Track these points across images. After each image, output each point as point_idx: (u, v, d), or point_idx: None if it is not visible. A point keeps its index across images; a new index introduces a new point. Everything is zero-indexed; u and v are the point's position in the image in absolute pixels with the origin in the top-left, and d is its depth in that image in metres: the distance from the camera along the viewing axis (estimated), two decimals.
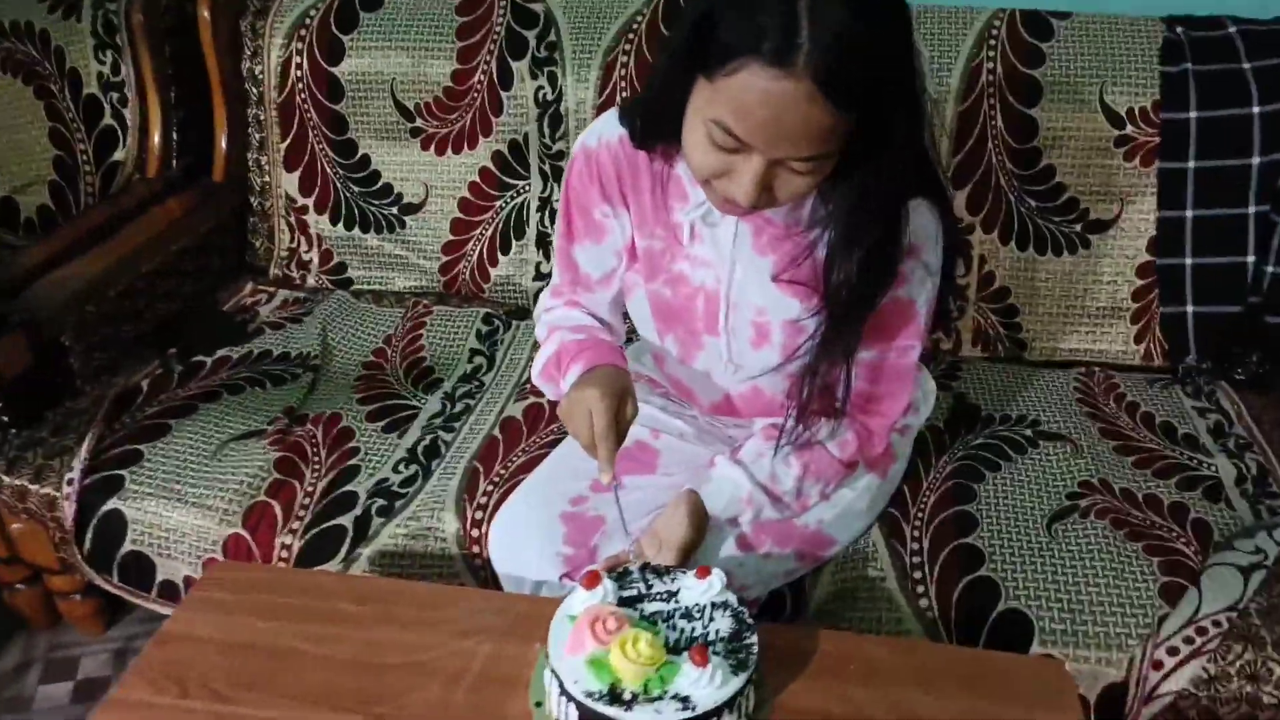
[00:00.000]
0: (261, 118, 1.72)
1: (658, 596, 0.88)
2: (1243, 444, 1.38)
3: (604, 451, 0.96)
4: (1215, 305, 1.50)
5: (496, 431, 1.37)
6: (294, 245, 1.76)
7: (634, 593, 0.88)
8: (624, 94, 1.58)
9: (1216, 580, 1.12)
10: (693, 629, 0.85)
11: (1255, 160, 1.44)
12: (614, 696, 0.78)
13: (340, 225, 1.73)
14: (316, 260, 1.76)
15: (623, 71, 1.58)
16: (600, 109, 1.59)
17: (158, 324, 1.59)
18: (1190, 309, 1.52)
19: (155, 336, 1.57)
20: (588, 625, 0.81)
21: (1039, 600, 1.12)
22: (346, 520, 1.24)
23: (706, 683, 0.78)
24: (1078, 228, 1.54)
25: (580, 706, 0.78)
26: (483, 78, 1.62)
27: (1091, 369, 1.55)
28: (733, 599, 0.87)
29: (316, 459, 1.32)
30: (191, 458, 1.32)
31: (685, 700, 0.78)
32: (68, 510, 1.28)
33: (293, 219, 1.75)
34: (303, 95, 1.68)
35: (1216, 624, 1.08)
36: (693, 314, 1.11)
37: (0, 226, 1.81)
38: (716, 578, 0.88)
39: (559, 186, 1.62)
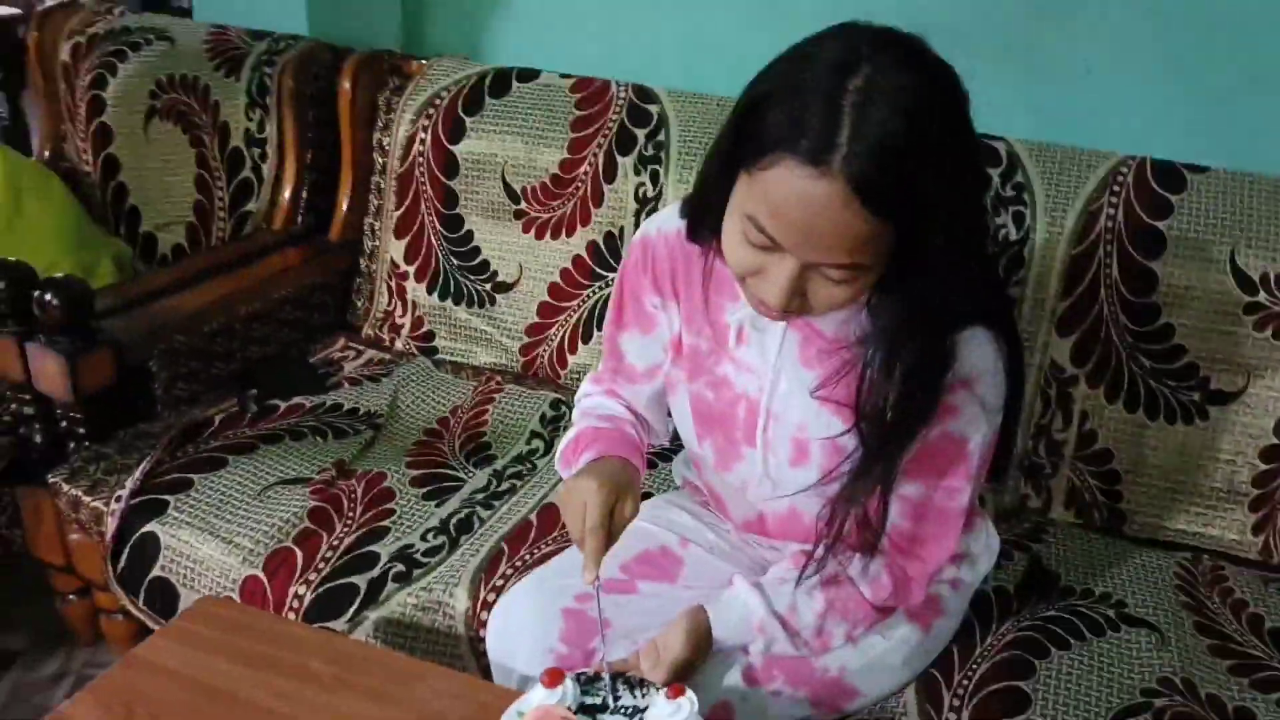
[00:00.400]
0: (382, 186, 1.80)
1: (621, 710, 0.81)
2: None
3: (590, 546, 0.91)
4: None
5: (533, 516, 1.33)
6: (390, 308, 1.81)
7: (598, 701, 0.82)
8: None
9: None
10: None
11: None
12: None
13: (435, 295, 1.77)
14: (409, 325, 1.80)
15: None
16: None
17: (247, 366, 1.65)
18: None
19: (241, 377, 1.62)
20: None
21: None
22: (361, 580, 1.22)
23: None
24: (1196, 396, 1.40)
25: None
26: (589, 169, 1.65)
27: (1200, 556, 1.38)
28: None
29: (350, 514, 1.31)
30: (236, 494, 1.34)
31: None
32: (110, 525, 1.31)
33: (393, 283, 1.80)
34: (421, 169, 1.75)
35: None
36: (733, 421, 1.06)
37: (140, 259, 1.96)
38: (688, 700, 0.80)
39: None
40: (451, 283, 1.76)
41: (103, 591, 1.50)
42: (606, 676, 0.84)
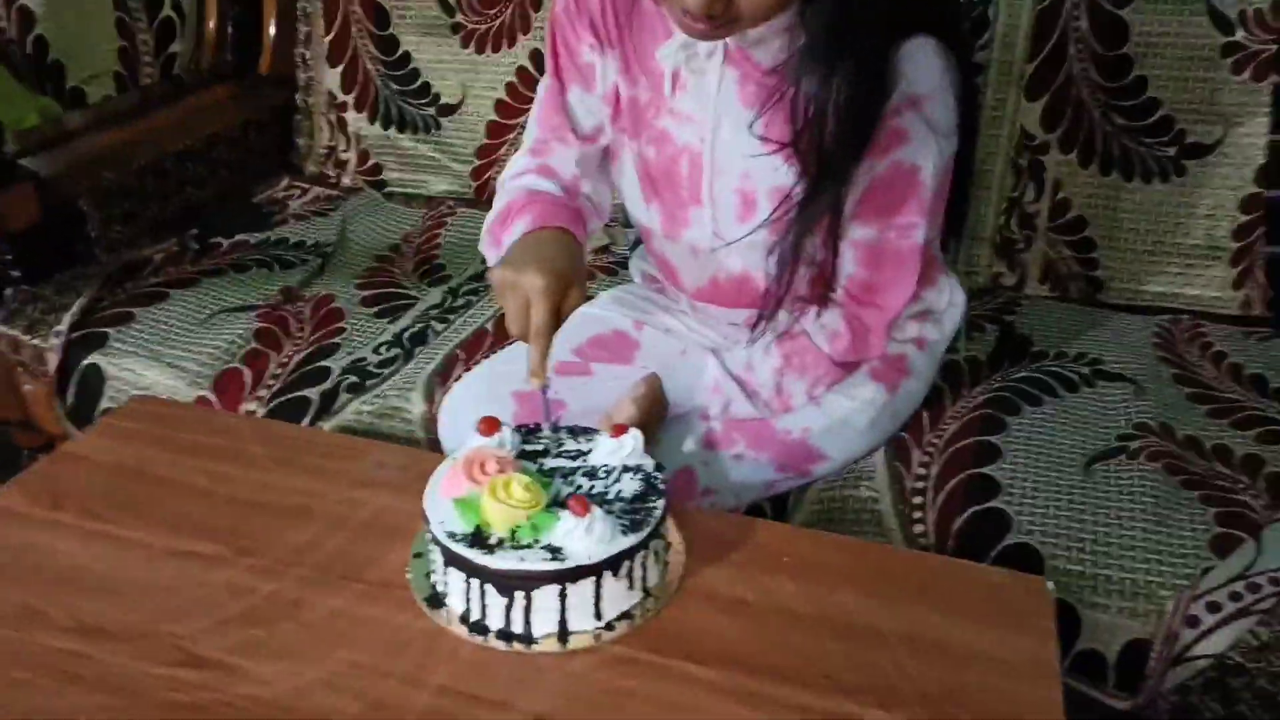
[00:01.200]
0: (309, 10, 1.70)
1: (565, 454, 0.77)
2: None
3: (537, 350, 0.81)
4: None
5: (489, 325, 1.28)
6: (333, 143, 1.73)
7: (540, 447, 0.78)
8: None
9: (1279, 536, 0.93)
10: (591, 486, 0.73)
11: None
12: (478, 540, 0.67)
13: (378, 124, 1.69)
14: (354, 159, 1.72)
15: None
16: None
17: (185, 209, 1.58)
18: None
19: (180, 220, 1.56)
20: (464, 466, 0.71)
21: (1056, 538, 0.95)
22: (313, 393, 1.18)
23: (583, 535, 0.66)
24: (1172, 152, 1.33)
25: (444, 550, 0.68)
26: None
27: (1179, 316, 1.34)
28: (648, 463, 0.76)
29: (300, 333, 1.27)
30: (179, 324, 1.29)
31: (556, 551, 0.66)
32: (52, 361, 1.27)
33: (333, 116, 1.72)
34: None
35: (1275, 581, 0.89)
36: (678, 179, 0.99)
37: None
38: (632, 437, 0.76)
39: None
40: (394, 110, 1.67)
41: (66, 441, 1.46)
42: (546, 425, 0.80)
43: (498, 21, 1.58)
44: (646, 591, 0.71)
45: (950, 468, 1.04)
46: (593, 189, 1.04)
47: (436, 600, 0.71)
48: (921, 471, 1.04)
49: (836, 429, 1.02)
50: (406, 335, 1.27)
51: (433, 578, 0.72)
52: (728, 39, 0.89)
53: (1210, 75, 1.29)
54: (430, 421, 1.14)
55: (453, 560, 0.68)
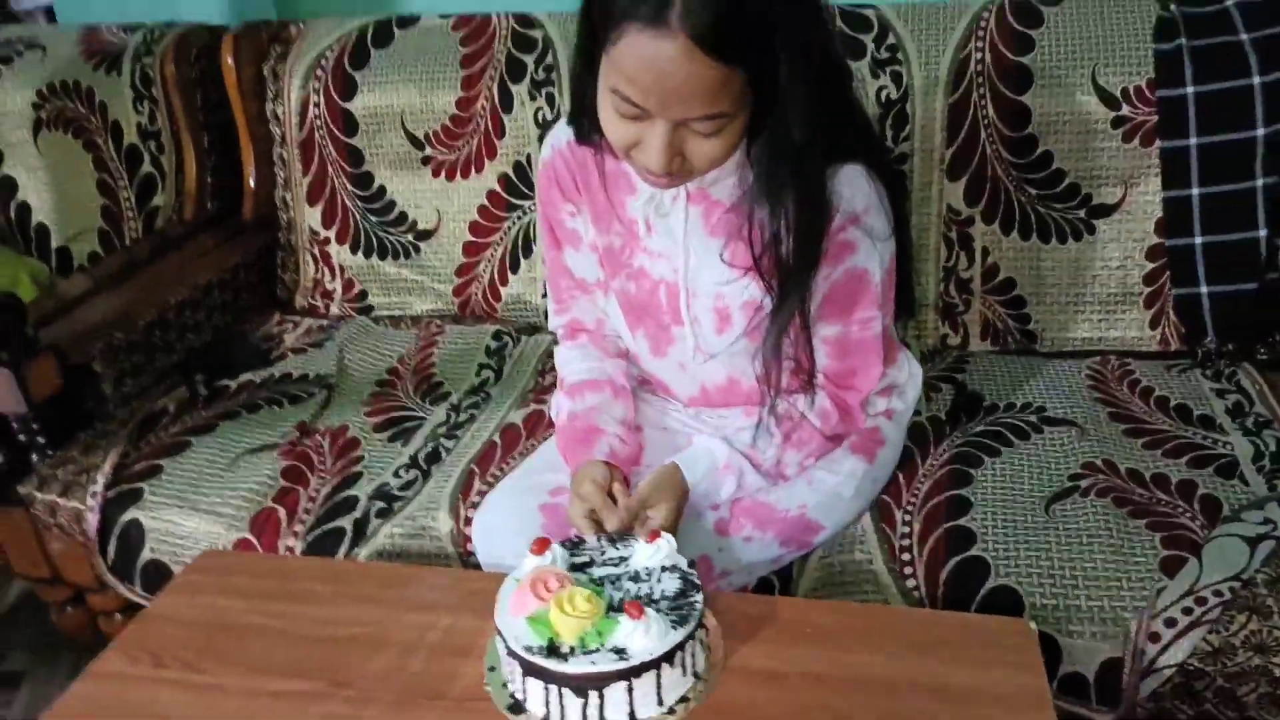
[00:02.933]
0: (285, 156, 1.82)
1: (608, 561, 0.89)
2: (1262, 422, 1.32)
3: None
4: (1230, 284, 1.45)
5: (496, 437, 1.40)
6: (318, 276, 1.84)
7: (586, 559, 0.89)
8: None
9: (1220, 551, 1.07)
10: (638, 589, 0.85)
11: (1260, 131, 1.40)
12: (552, 650, 0.79)
13: (360, 254, 1.81)
14: (340, 289, 1.83)
15: None
16: None
17: (189, 353, 1.68)
18: (1205, 289, 1.47)
19: (186, 364, 1.65)
20: (530, 585, 0.82)
21: (1030, 577, 1.09)
22: (346, 522, 1.28)
23: (643, 635, 0.78)
24: (1081, 213, 1.51)
25: (522, 661, 0.79)
26: (485, 103, 1.69)
27: (1107, 357, 1.51)
28: (682, 562, 0.88)
29: (323, 467, 1.37)
30: (208, 470, 1.38)
31: (621, 651, 0.78)
32: (91, 521, 1.34)
33: (316, 251, 1.83)
34: (321, 132, 1.77)
35: (1218, 594, 1.03)
36: (658, 307, 1.13)
37: (58, 274, 1.95)
38: (666, 541, 0.88)
39: None
40: (374, 239, 1.80)
41: (96, 594, 1.53)
42: (590, 536, 0.92)
43: (465, 151, 1.72)
44: (696, 675, 0.82)
45: (929, 524, 1.17)
46: (611, 326, 1.22)
47: (517, 708, 0.81)
48: (905, 530, 1.17)
49: (829, 502, 1.15)
50: (421, 456, 1.38)
51: (510, 687, 0.83)
52: (687, 184, 1.03)
53: (1105, 145, 1.47)
54: (459, 537, 1.25)
55: (532, 671, 0.79)
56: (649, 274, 1.11)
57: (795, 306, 1.00)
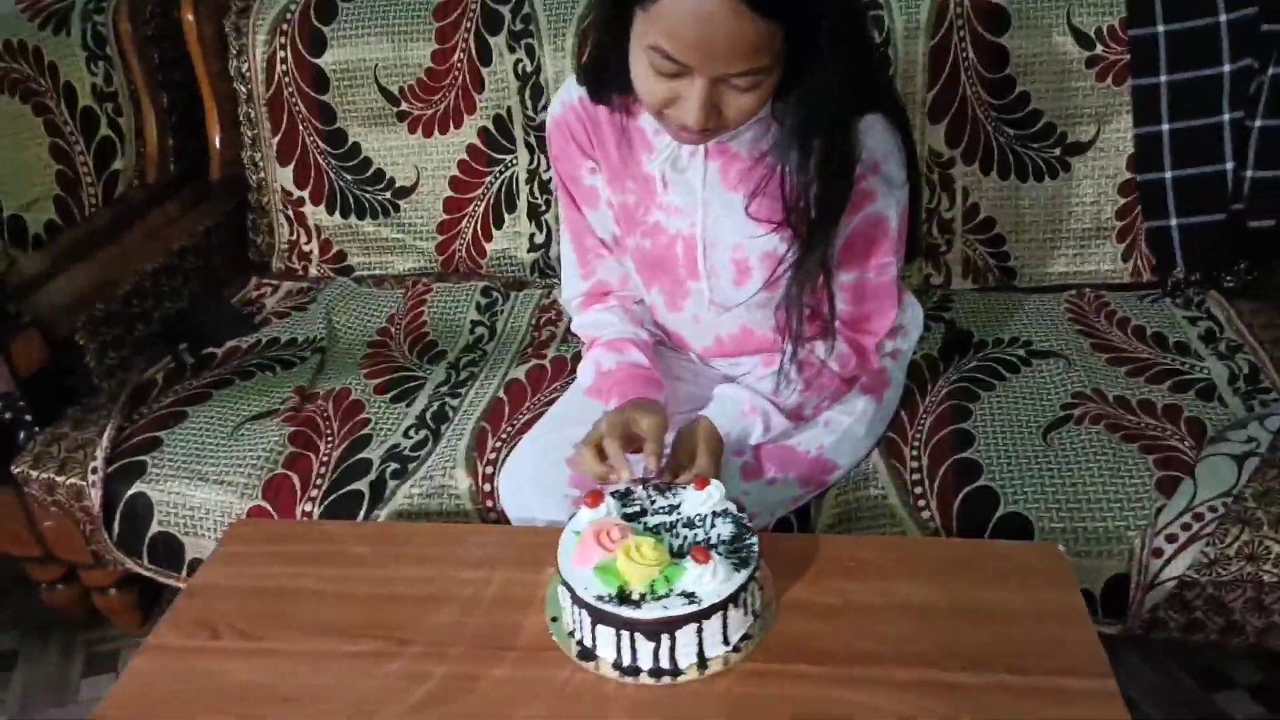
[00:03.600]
0: (252, 115, 1.77)
1: (660, 510, 0.91)
2: (1234, 346, 1.40)
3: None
4: (1199, 216, 1.52)
5: (501, 393, 1.40)
6: (294, 238, 1.81)
7: (636, 509, 0.92)
8: None
9: (1211, 470, 1.15)
10: (694, 535, 0.88)
11: (1226, 68, 1.46)
12: (623, 598, 0.81)
13: (337, 214, 1.77)
14: (317, 250, 1.80)
15: None
16: None
17: (168, 321, 1.64)
18: (1174, 222, 1.54)
19: (167, 333, 1.61)
20: (594, 536, 0.85)
21: (1037, 503, 1.15)
22: (363, 485, 1.28)
23: (710, 579, 0.81)
24: (1056, 152, 1.56)
25: (592, 610, 0.82)
26: (462, 56, 1.66)
27: (1082, 290, 1.57)
28: (732, 507, 0.90)
29: (329, 431, 1.36)
30: (209, 440, 1.36)
31: (690, 595, 0.81)
32: (94, 497, 1.32)
33: (290, 212, 1.79)
34: (290, 89, 1.72)
35: (1213, 509, 1.11)
36: (674, 261, 1.14)
37: (11, 244, 1.86)
38: (715, 488, 0.91)
39: (544, 159, 1.67)
40: (350, 199, 1.77)
41: (90, 570, 1.51)
42: (638, 488, 0.94)
43: (442, 105, 1.69)
44: (754, 614, 0.86)
45: (936, 458, 1.23)
46: (634, 285, 1.22)
47: (587, 654, 0.84)
48: (915, 465, 1.22)
49: (843, 442, 1.19)
50: (429, 415, 1.38)
51: (576, 635, 0.85)
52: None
53: (1080, 84, 1.52)
54: (478, 494, 1.26)
55: (602, 618, 0.81)
56: (665, 229, 1.13)
57: (820, 257, 1.02)
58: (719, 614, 0.81)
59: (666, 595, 0.81)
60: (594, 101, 1.07)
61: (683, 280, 1.16)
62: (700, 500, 0.90)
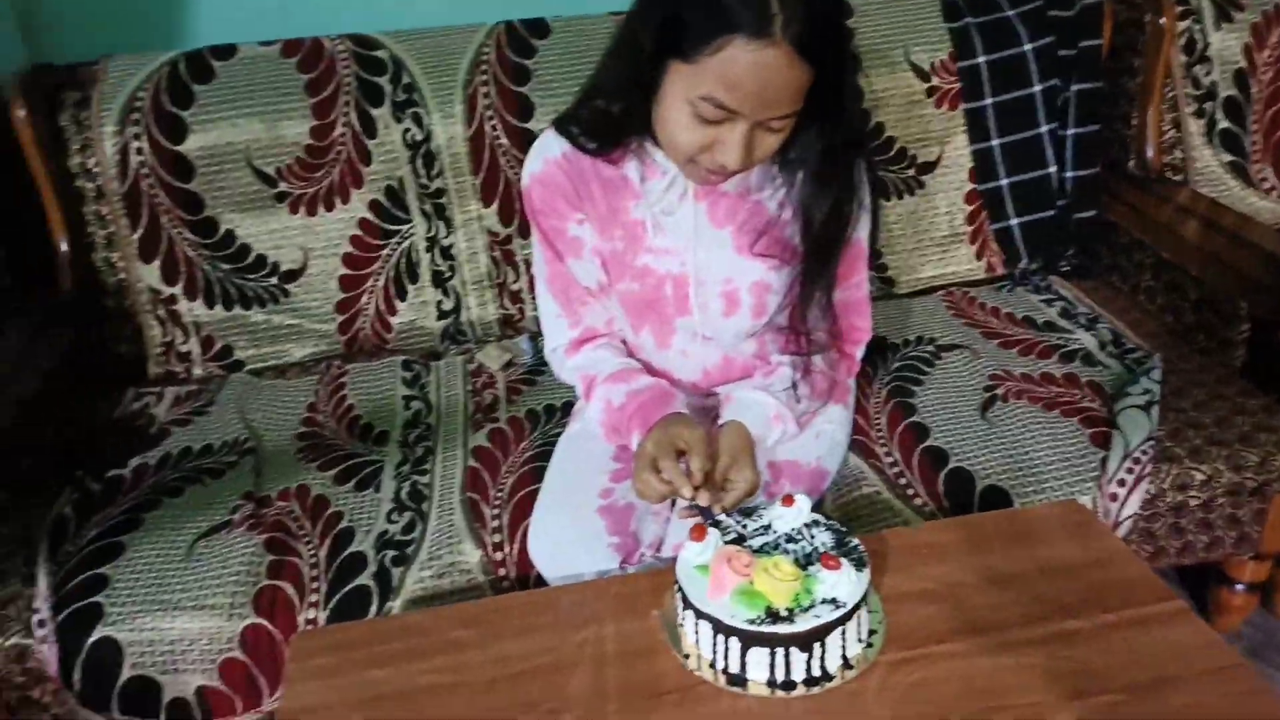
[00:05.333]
0: (104, 213, 1.61)
1: (758, 532, 0.96)
2: (1091, 319, 1.64)
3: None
4: (1033, 214, 1.78)
5: (473, 462, 1.38)
6: (168, 339, 1.66)
7: (734, 536, 0.96)
8: (493, 124, 1.63)
9: (1129, 420, 1.35)
10: (802, 547, 0.93)
11: (1037, 88, 1.73)
12: (774, 616, 0.85)
13: (218, 307, 1.65)
14: (198, 349, 1.67)
15: (486, 101, 1.63)
16: (473, 141, 1.63)
17: (56, 451, 1.45)
18: (1014, 221, 1.78)
19: (58, 464, 1.43)
20: (724, 565, 0.88)
21: (1005, 473, 1.30)
22: (366, 579, 1.21)
23: (846, 583, 0.87)
24: (911, 172, 1.76)
25: (744, 634, 0.85)
26: (344, 129, 1.62)
27: (951, 289, 1.78)
28: (821, 517, 0.97)
29: (304, 531, 1.27)
30: (164, 566, 1.23)
31: (834, 601, 0.86)
32: (49, 654, 1.15)
33: (161, 312, 1.65)
34: (148, 180, 1.59)
35: (1144, 453, 1.30)
36: (663, 301, 1.19)
37: None
38: (803, 501, 0.97)
39: (444, 225, 1.65)
40: (232, 289, 1.65)
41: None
42: (724, 517, 0.98)
43: (325, 182, 1.64)
44: (873, 612, 0.93)
45: (905, 449, 1.35)
46: (620, 328, 1.25)
47: (736, 680, 0.87)
48: (890, 460, 1.34)
49: (833, 448, 1.29)
50: (405, 496, 1.33)
51: (718, 664, 0.87)
52: (692, 181, 1.11)
53: (923, 112, 1.73)
54: (489, 565, 1.23)
55: (757, 640, 0.84)
56: (654, 271, 1.17)
57: (827, 282, 1.11)
58: (857, 614, 0.87)
59: (813, 606, 0.86)
60: (594, 152, 1.10)
61: (671, 318, 1.21)
62: (793, 515, 0.96)
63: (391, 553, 1.24)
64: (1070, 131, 1.74)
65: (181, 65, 1.62)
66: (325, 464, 1.40)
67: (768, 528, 0.96)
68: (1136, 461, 1.30)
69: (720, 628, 0.86)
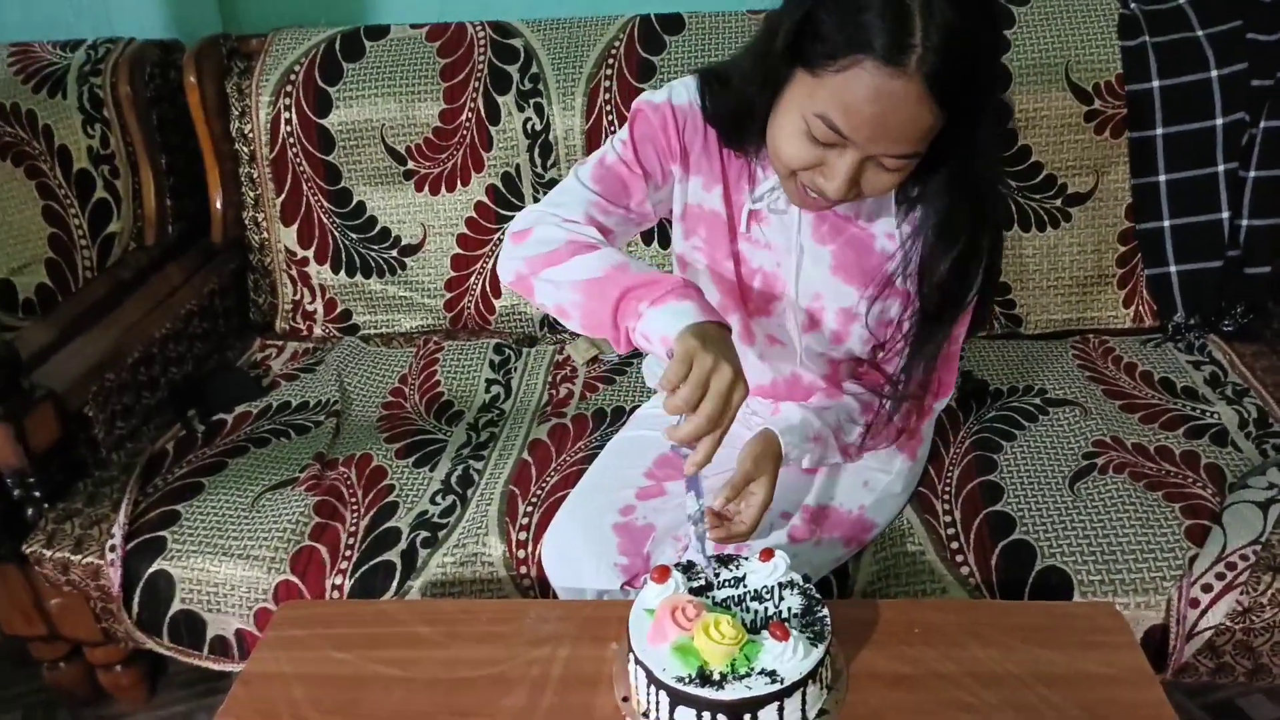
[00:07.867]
0: (255, 175, 1.75)
1: (726, 583, 0.91)
2: (1240, 390, 1.44)
3: (709, 449, 0.87)
4: (1197, 263, 1.57)
5: (526, 455, 1.40)
6: (297, 298, 1.79)
7: (702, 582, 0.91)
8: (610, 118, 1.63)
9: (1237, 517, 1.17)
10: (765, 609, 0.88)
11: (1219, 121, 1.52)
12: (704, 678, 0.81)
13: (342, 273, 1.76)
14: (321, 310, 1.78)
15: (607, 96, 1.63)
16: (589, 134, 1.64)
17: (175, 388, 1.61)
18: (1173, 269, 1.58)
19: (175, 400, 1.58)
20: (668, 615, 0.84)
21: (1074, 555, 1.17)
22: (394, 555, 1.26)
23: (790, 656, 0.81)
24: (1058, 202, 1.60)
25: (671, 692, 0.81)
26: (470, 115, 1.67)
27: (1086, 336, 1.61)
28: (798, 578, 0.91)
29: (354, 500, 1.34)
30: (230, 512, 1.33)
31: (772, 674, 0.81)
32: (114, 576, 1.28)
33: (294, 272, 1.78)
34: (294, 149, 1.71)
35: (1244, 558, 1.13)
36: (750, 293, 1.12)
37: (1, 310, 1.82)
38: (780, 559, 0.91)
39: None
40: (356, 257, 1.75)
41: (99, 648, 1.47)
42: (700, 562, 0.94)
43: (449, 164, 1.69)
44: (828, 687, 0.86)
45: (968, 512, 1.24)
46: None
47: None
48: (948, 520, 1.24)
49: (882, 499, 1.20)
50: (454, 480, 1.37)
51: (652, 715, 0.84)
52: None
53: (1079, 137, 1.57)
54: (512, 561, 1.25)
55: (682, 700, 0.81)
56: (747, 261, 1.10)
57: (941, 337, 1.04)
58: (799, 691, 0.81)
59: (748, 675, 0.81)
60: (728, 144, 1.04)
61: (753, 313, 1.14)
62: (767, 572, 0.91)
63: (424, 533, 1.28)
64: (1252, 174, 1.52)
65: (338, 42, 1.73)
66: (394, 436, 1.46)
67: (740, 580, 0.91)
68: (1231, 566, 1.13)
69: (652, 679, 0.83)
